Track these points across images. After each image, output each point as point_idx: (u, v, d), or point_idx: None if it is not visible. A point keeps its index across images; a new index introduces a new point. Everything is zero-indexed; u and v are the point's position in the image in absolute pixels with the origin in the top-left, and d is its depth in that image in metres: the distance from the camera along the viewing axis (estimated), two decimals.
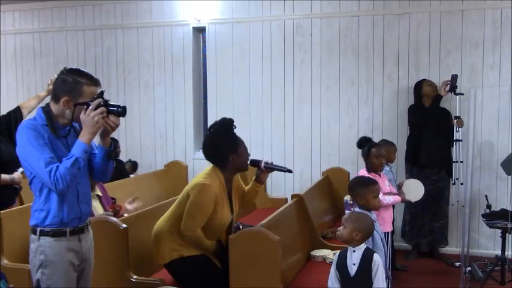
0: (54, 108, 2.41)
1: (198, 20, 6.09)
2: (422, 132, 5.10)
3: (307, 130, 5.84)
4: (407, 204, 4.97)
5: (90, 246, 2.59)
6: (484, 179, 5.29)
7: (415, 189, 4.15)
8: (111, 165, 2.55)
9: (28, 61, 6.84)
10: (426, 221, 5.16)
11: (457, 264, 4.87)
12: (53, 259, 2.37)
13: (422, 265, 5.08)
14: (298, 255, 3.77)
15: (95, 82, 2.41)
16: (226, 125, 3.13)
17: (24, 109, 4.35)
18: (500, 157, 5.02)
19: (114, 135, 2.53)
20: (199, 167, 5.03)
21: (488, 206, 4.51)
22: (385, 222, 3.63)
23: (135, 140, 6.45)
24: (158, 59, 6.31)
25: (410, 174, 5.17)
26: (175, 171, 5.87)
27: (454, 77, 4.95)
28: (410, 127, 5.28)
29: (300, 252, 3.84)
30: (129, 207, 4.10)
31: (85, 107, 2.32)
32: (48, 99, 4.46)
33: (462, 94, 4.97)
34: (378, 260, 2.64)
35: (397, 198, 3.79)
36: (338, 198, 5.15)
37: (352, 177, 5.24)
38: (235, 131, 3.18)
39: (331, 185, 5.33)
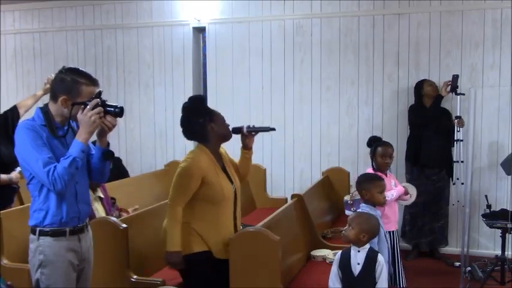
0: (52, 107, 2.42)
1: (198, 20, 6.09)
2: (423, 132, 5.10)
3: (307, 130, 5.84)
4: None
5: (90, 246, 2.59)
6: (484, 179, 5.29)
7: (411, 192, 4.22)
8: (107, 166, 2.56)
9: (28, 61, 6.84)
10: (426, 221, 5.16)
11: (457, 264, 4.87)
12: (53, 259, 2.37)
13: (422, 265, 5.08)
14: (298, 255, 3.77)
15: (94, 82, 2.41)
16: (195, 100, 3.13)
17: (21, 108, 4.35)
18: (500, 157, 5.02)
19: (114, 135, 2.53)
20: None
21: (488, 206, 4.51)
22: (389, 221, 3.62)
23: (135, 140, 6.44)
24: (158, 59, 6.31)
25: (410, 174, 5.18)
26: (175, 171, 5.86)
27: (455, 77, 4.94)
28: (411, 127, 5.28)
29: (300, 252, 3.84)
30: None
31: (82, 106, 2.33)
32: (45, 98, 4.47)
33: (463, 94, 4.97)
34: (382, 260, 2.66)
35: (400, 189, 3.77)
36: (338, 198, 5.15)
37: (352, 177, 5.28)
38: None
39: (331, 185, 5.33)
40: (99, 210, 3.87)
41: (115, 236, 3.21)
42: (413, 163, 5.17)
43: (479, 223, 5.10)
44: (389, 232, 3.51)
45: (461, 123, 4.97)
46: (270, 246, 2.88)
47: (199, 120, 3.01)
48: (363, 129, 5.60)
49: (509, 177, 4.78)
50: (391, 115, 5.56)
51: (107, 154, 2.49)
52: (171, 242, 2.88)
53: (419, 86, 5.23)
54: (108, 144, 2.52)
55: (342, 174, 5.38)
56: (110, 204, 4.16)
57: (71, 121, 2.40)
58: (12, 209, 3.86)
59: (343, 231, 2.73)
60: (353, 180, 4.62)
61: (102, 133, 2.44)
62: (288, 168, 5.93)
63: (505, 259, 4.32)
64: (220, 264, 2.98)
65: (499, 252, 4.43)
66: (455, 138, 4.95)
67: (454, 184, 5.07)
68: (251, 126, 3.15)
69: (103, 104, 2.34)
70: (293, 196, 4.23)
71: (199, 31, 6.34)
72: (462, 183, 4.80)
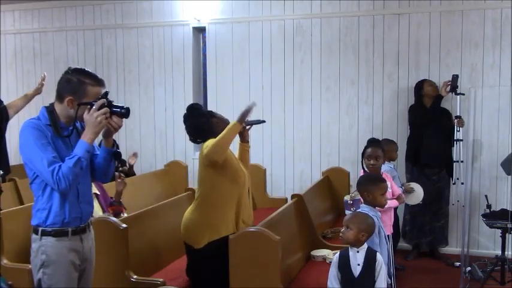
0: (58, 107, 2.42)
1: (198, 20, 6.09)
2: (423, 132, 5.10)
3: (307, 130, 5.84)
4: (408, 204, 4.97)
5: (92, 246, 2.59)
6: (484, 179, 5.29)
7: (416, 194, 4.32)
8: (112, 166, 2.57)
9: (28, 61, 6.84)
10: (426, 221, 5.17)
11: (457, 264, 4.87)
12: (55, 259, 2.37)
13: (422, 265, 5.08)
14: (298, 255, 3.77)
15: (100, 82, 2.42)
16: (192, 107, 3.36)
17: (10, 109, 4.33)
18: (500, 157, 5.02)
19: (114, 135, 2.53)
20: None
21: (488, 206, 4.51)
22: (385, 225, 3.63)
23: (135, 140, 6.45)
24: (158, 59, 6.31)
25: (410, 174, 5.18)
26: (175, 171, 5.88)
27: (455, 77, 4.95)
28: (411, 127, 5.28)
29: (300, 252, 3.84)
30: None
31: (88, 106, 2.33)
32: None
33: (463, 94, 4.97)
34: (381, 259, 2.67)
35: (394, 203, 3.77)
36: (338, 198, 5.15)
37: (352, 177, 5.28)
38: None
39: (331, 185, 5.33)
40: (95, 207, 3.86)
41: (115, 236, 3.21)
42: (413, 163, 5.18)
43: (479, 223, 5.10)
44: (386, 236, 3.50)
45: (461, 123, 4.98)
46: (270, 246, 2.88)
47: (203, 119, 3.25)
48: (363, 129, 5.60)
49: (509, 177, 4.78)
50: (391, 115, 5.57)
51: (116, 155, 2.50)
52: (229, 128, 2.99)
53: (419, 86, 5.23)
54: (114, 144, 2.52)
55: (342, 174, 5.38)
56: (106, 200, 4.15)
57: (76, 121, 2.40)
58: (12, 209, 3.85)
59: (341, 234, 2.72)
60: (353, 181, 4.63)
61: (108, 133, 2.45)
62: (288, 168, 5.93)
63: (505, 259, 4.32)
64: None
65: (499, 252, 4.43)
66: (455, 138, 4.96)
67: (454, 184, 5.08)
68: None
69: (109, 104, 2.35)
70: (293, 196, 4.23)
71: (199, 31, 6.34)
72: (462, 183, 4.81)
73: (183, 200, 4.21)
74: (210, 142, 3.04)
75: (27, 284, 3.19)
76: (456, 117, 4.98)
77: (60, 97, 2.40)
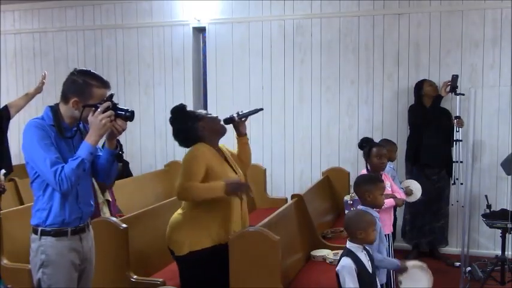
0: (62, 108, 2.42)
1: (198, 20, 6.09)
2: (423, 132, 5.10)
3: (307, 130, 5.84)
4: (408, 203, 4.96)
5: (91, 245, 2.59)
6: (484, 179, 5.29)
7: (415, 191, 4.30)
8: (115, 167, 2.56)
9: (28, 61, 6.84)
10: (426, 221, 5.16)
11: (457, 264, 4.87)
12: (54, 259, 2.37)
13: None
14: (298, 255, 3.78)
15: (105, 85, 2.43)
16: (176, 110, 3.21)
17: (12, 108, 4.33)
18: (500, 157, 5.01)
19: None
20: None
21: (488, 206, 4.51)
22: (384, 225, 3.62)
23: (135, 140, 6.44)
24: (158, 59, 6.31)
25: (410, 174, 5.18)
26: (175, 171, 5.85)
27: (455, 77, 4.94)
28: (411, 127, 5.28)
29: (300, 252, 3.84)
30: None
31: (93, 109, 2.33)
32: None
33: (463, 94, 4.97)
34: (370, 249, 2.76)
35: (391, 202, 3.76)
36: (338, 198, 5.16)
37: (352, 177, 5.27)
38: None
39: (331, 185, 5.33)
40: (106, 214, 3.86)
41: (115, 236, 3.21)
42: (413, 163, 5.18)
43: (479, 223, 5.10)
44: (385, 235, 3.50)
45: (460, 123, 4.98)
46: (270, 246, 2.88)
47: (187, 124, 3.10)
48: (363, 129, 5.60)
49: (509, 177, 4.78)
50: (391, 115, 5.57)
51: (119, 156, 2.50)
52: (213, 186, 2.87)
53: (419, 86, 5.23)
54: (117, 144, 2.51)
55: (342, 174, 5.39)
56: (115, 207, 4.17)
57: (80, 123, 2.40)
58: (12, 209, 3.85)
59: (348, 239, 2.69)
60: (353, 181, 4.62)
61: (112, 136, 2.44)
62: (288, 169, 5.93)
63: (505, 259, 4.32)
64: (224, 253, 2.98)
65: (499, 252, 4.43)
66: (454, 139, 4.96)
67: (453, 184, 5.08)
68: (240, 112, 3.24)
69: (114, 107, 2.35)
70: (293, 196, 4.23)
71: (199, 31, 6.34)
72: (462, 183, 4.81)
73: None
74: (184, 179, 2.86)
75: (27, 284, 3.19)
76: (456, 117, 4.98)
77: (65, 98, 2.40)
